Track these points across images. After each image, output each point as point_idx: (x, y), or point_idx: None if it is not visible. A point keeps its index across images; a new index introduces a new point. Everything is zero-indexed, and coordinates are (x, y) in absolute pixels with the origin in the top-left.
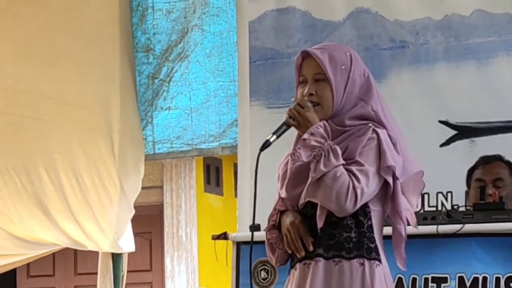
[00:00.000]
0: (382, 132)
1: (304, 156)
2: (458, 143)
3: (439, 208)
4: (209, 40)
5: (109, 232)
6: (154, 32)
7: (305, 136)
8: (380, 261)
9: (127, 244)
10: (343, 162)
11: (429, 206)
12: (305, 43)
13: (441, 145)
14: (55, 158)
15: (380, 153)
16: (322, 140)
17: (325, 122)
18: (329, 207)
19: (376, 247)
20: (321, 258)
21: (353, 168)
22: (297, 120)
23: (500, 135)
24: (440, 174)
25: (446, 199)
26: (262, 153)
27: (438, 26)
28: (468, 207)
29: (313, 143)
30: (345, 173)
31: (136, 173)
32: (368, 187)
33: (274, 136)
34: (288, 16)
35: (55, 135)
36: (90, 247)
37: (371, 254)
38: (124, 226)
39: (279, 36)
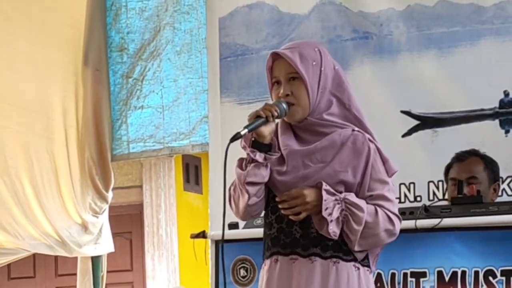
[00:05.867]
0: (372, 139)
1: (336, 228)
2: (420, 133)
3: (402, 200)
4: (179, 37)
5: (66, 239)
6: (128, 31)
7: (325, 216)
8: (371, 268)
9: (105, 245)
10: (364, 204)
11: None
12: (272, 37)
13: (403, 136)
14: (9, 163)
15: (383, 161)
16: (338, 205)
17: (322, 187)
18: (388, 242)
19: (368, 255)
20: (317, 258)
21: (380, 191)
22: (305, 210)
23: (463, 125)
24: (402, 165)
25: (409, 190)
26: (231, 147)
27: (401, 16)
28: (446, 201)
29: (337, 214)
30: (375, 210)
31: (100, 179)
32: (395, 197)
33: (246, 130)
34: (257, 11)
35: (9, 141)
36: (58, 252)
37: (364, 261)
38: (80, 232)
39: (249, 32)
